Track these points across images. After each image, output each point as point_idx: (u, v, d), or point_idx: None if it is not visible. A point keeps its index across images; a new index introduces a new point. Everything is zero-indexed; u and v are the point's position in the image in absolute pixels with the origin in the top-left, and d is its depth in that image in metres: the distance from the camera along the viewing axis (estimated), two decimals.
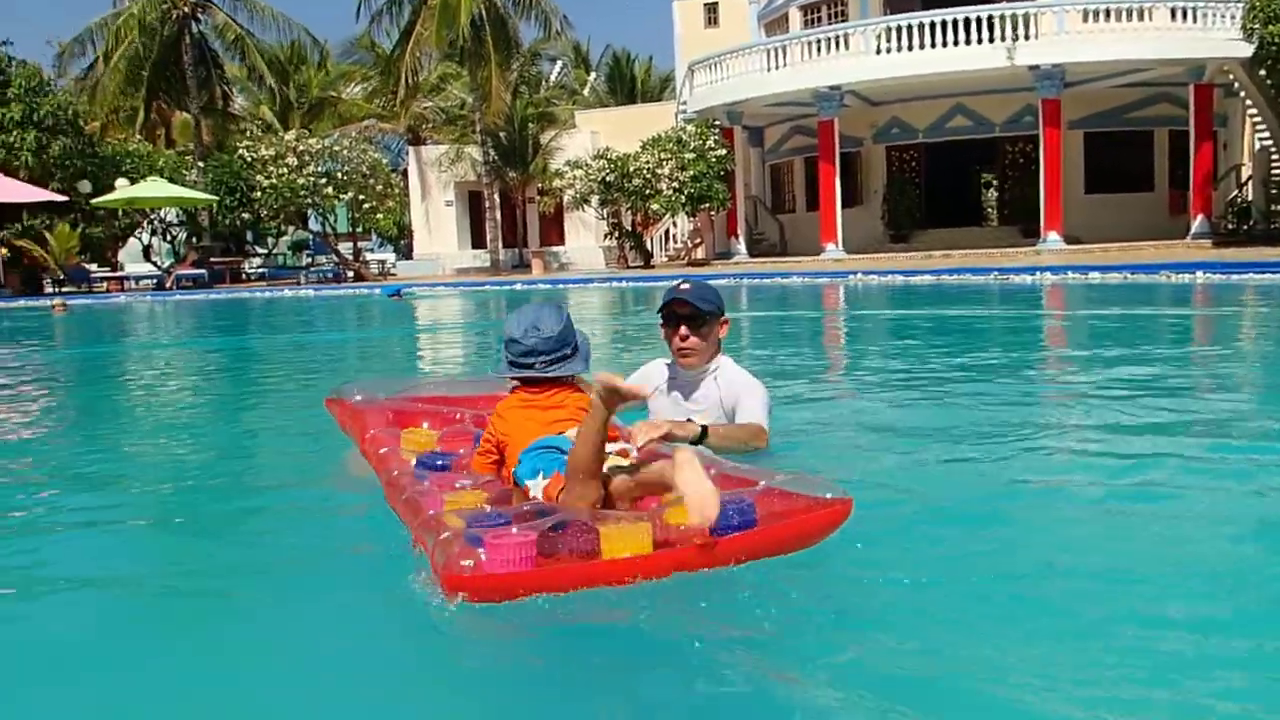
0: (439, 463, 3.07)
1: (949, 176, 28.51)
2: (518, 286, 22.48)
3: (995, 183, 29.80)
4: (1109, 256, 20.33)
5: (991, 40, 22.63)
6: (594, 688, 2.02)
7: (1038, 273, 17.32)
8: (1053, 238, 23.06)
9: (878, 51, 23.82)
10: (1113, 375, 5.95)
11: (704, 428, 3.33)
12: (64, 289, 27.03)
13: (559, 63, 42.71)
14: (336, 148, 30.05)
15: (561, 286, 21.96)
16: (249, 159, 28.49)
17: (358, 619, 2.36)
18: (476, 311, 16.71)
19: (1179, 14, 22.41)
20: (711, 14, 31.55)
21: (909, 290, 16.28)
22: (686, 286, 3.68)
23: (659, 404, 3.80)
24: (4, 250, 26.23)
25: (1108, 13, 22.54)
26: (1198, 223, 23.00)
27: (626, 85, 45.24)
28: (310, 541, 3.00)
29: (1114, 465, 3.60)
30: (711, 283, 3.85)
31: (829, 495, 2.37)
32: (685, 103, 28.74)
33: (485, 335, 11.47)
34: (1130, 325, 9.93)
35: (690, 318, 3.66)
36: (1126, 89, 24.72)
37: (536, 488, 2.65)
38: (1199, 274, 15.10)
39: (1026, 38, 22.45)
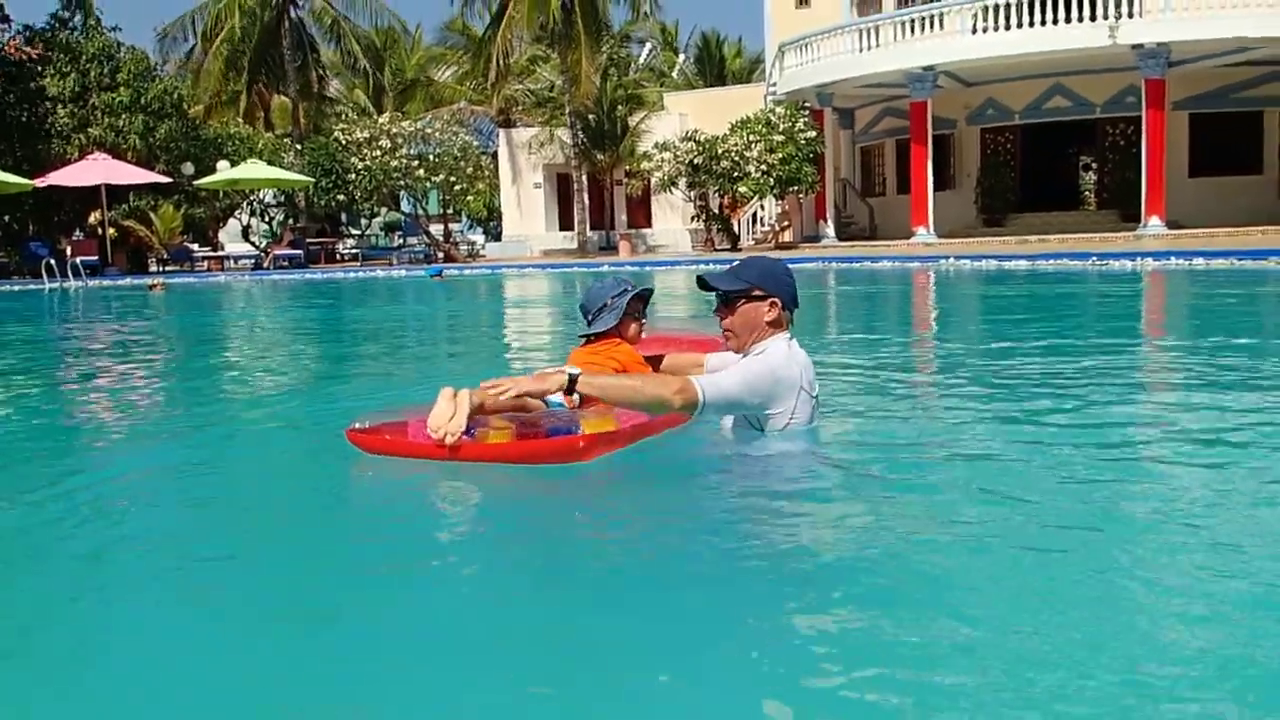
0: None
1: (1045, 159, 27.83)
2: (604, 268, 22.59)
3: (1094, 166, 28.98)
4: (1215, 242, 19.64)
5: (1093, 18, 21.96)
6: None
7: (1138, 258, 16.83)
8: (1154, 223, 22.37)
9: (973, 31, 23.32)
10: (1210, 365, 5.78)
11: (572, 377, 3.24)
12: (168, 268, 27.94)
13: (648, 45, 42.67)
14: (429, 130, 30.51)
15: (648, 269, 22.01)
16: (344, 141, 29.09)
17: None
18: (552, 290, 16.91)
19: None
20: None
21: (1003, 275, 15.97)
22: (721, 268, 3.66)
23: None
24: (112, 230, 27.19)
25: None
26: None
27: (715, 67, 45.02)
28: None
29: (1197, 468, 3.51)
30: (794, 266, 3.68)
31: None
32: (775, 84, 28.49)
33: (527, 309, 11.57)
34: (1237, 312, 9.62)
35: (719, 298, 3.56)
36: (1234, 68, 23.79)
37: None
38: None
39: (1130, 15, 21.75)
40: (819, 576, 2.41)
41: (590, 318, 3.95)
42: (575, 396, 3.41)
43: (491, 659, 2.01)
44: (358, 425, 3.48)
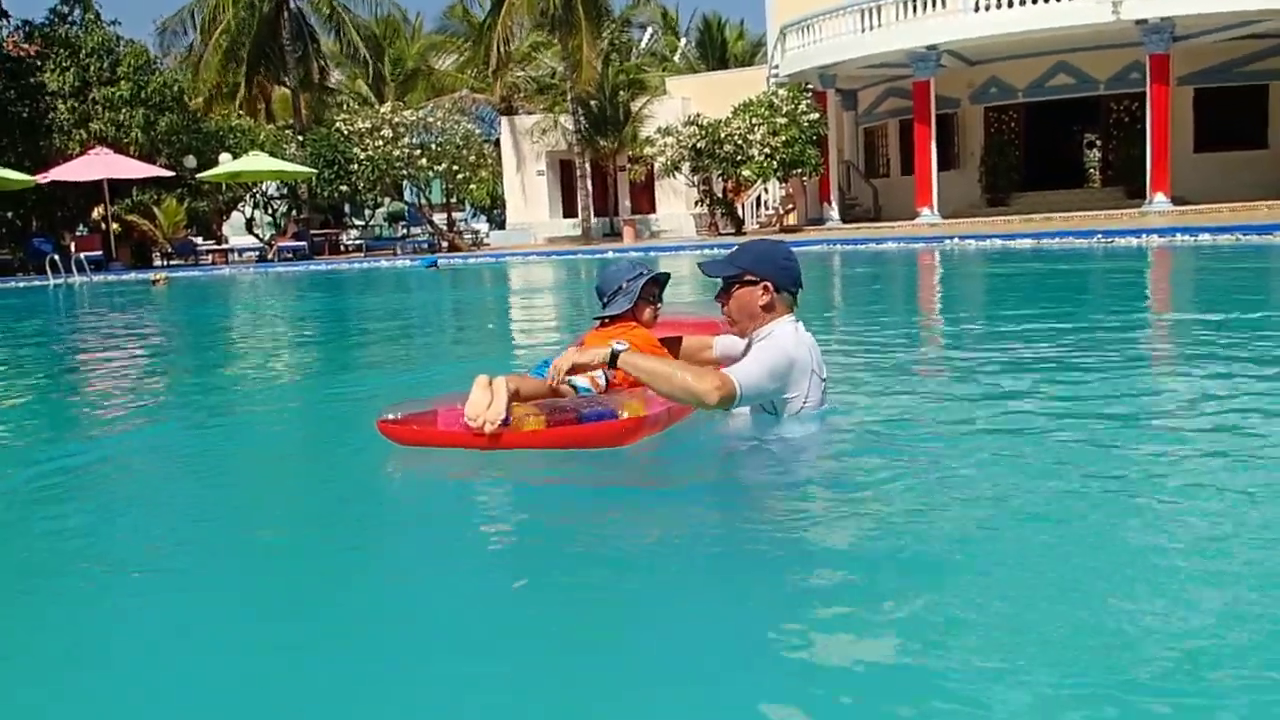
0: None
1: (1049, 137, 27.69)
2: (609, 254, 22.55)
3: (1098, 143, 28.83)
4: (1220, 217, 19.53)
5: None
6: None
7: (1144, 235, 16.75)
8: (1159, 199, 22.26)
9: (975, 9, 23.16)
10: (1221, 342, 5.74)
11: (614, 353, 3.22)
12: (172, 262, 27.95)
13: (649, 29, 42.51)
14: (430, 119, 30.42)
15: (653, 254, 21.96)
16: (346, 132, 29.02)
17: None
18: (554, 278, 16.92)
19: None
20: None
21: (1009, 254, 15.91)
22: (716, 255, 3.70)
23: None
24: (115, 225, 27.20)
25: None
26: None
27: (717, 50, 44.81)
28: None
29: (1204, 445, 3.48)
30: (799, 249, 3.71)
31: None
32: (777, 67, 28.35)
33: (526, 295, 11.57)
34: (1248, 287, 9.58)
35: (720, 285, 3.59)
36: (1238, 42, 23.62)
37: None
38: None
39: None
40: (828, 570, 2.39)
41: (605, 300, 3.95)
42: (602, 379, 3.45)
43: (492, 659, 2.00)
44: (390, 416, 3.39)
